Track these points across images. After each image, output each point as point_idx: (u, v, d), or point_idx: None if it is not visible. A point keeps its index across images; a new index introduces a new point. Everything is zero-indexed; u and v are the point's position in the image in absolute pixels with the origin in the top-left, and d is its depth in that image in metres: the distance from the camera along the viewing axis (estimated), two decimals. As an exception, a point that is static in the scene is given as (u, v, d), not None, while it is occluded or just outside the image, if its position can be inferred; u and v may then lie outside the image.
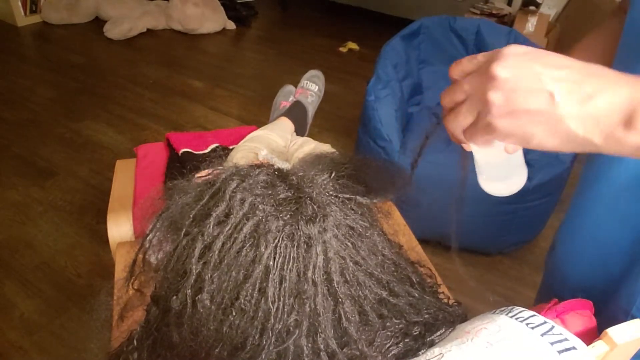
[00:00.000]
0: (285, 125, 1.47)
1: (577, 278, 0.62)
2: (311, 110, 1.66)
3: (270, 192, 0.48)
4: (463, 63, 0.39)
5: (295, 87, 1.75)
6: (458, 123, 0.40)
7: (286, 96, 1.72)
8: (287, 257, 0.44)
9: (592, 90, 0.34)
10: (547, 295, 0.58)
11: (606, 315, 0.53)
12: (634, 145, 0.34)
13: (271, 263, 0.44)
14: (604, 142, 0.34)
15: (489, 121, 0.37)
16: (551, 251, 0.69)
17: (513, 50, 0.36)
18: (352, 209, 0.53)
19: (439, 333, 0.54)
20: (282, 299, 0.44)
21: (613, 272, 0.57)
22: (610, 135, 0.34)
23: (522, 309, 0.52)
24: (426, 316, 0.55)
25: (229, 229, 0.45)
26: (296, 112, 1.58)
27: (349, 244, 0.49)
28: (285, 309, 0.44)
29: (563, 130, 0.35)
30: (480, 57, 0.38)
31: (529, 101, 0.35)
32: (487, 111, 0.36)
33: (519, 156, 0.50)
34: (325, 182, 0.53)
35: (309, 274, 0.45)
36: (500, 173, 0.52)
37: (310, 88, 1.69)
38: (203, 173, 0.55)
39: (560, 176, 1.65)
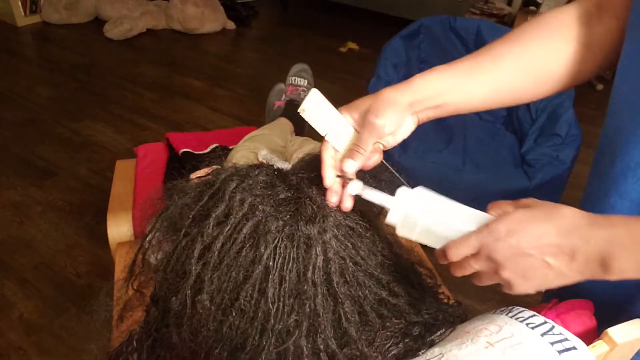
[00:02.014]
0: (284, 125, 1.47)
1: (588, 290, 0.61)
2: None
3: (269, 192, 0.48)
4: (460, 250, 0.48)
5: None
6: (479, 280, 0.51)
7: (279, 95, 1.71)
8: (287, 257, 0.44)
9: (570, 250, 0.44)
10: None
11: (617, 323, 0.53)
12: (617, 279, 0.44)
13: (271, 263, 0.44)
14: (594, 278, 0.45)
15: (507, 286, 0.49)
16: None
17: (499, 234, 0.45)
18: (352, 209, 0.52)
19: (439, 333, 0.54)
20: (281, 299, 0.44)
21: (628, 284, 0.56)
22: (596, 276, 0.44)
23: (522, 309, 0.52)
24: (426, 316, 0.55)
25: (229, 230, 0.45)
26: (293, 111, 1.57)
27: (349, 244, 0.49)
28: (285, 310, 0.44)
29: (565, 280, 0.46)
30: (473, 242, 0.47)
31: (533, 273, 0.46)
32: (504, 283, 0.48)
33: None
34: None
35: (309, 274, 0.44)
36: None
37: (300, 83, 1.67)
38: (199, 173, 0.55)
39: (560, 176, 1.65)
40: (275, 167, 0.54)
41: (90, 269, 1.63)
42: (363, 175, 0.55)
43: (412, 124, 0.56)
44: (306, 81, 1.69)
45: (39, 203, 1.90)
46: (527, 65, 0.56)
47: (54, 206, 1.89)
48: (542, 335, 0.47)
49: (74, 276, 1.61)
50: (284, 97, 1.69)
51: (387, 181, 0.59)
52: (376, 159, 0.54)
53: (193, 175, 0.70)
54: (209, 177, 0.52)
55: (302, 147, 1.33)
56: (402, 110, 0.54)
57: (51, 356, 1.37)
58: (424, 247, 1.04)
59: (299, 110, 0.53)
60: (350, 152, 0.53)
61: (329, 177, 0.52)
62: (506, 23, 2.87)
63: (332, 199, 0.51)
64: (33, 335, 1.42)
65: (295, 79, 1.69)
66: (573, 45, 0.55)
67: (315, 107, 0.53)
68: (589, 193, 0.62)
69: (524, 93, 0.59)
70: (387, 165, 0.57)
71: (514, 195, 1.61)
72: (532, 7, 2.92)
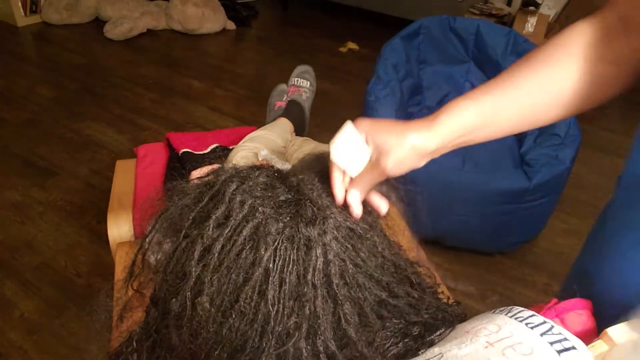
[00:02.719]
0: (284, 126, 1.47)
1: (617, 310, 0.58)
2: (307, 107, 1.65)
3: (270, 194, 0.48)
4: None
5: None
6: None
7: (280, 96, 1.71)
8: (287, 259, 0.44)
9: None
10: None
11: None
12: None
13: (271, 265, 0.44)
14: None
15: None
16: (582, 283, 0.62)
17: None
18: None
19: (438, 333, 0.54)
20: (281, 301, 0.44)
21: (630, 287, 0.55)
22: None
23: (522, 308, 0.52)
24: (426, 316, 0.55)
25: (229, 232, 0.45)
26: (293, 112, 1.57)
27: (349, 246, 0.49)
28: (285, 312, 0.44)
29: None
30: None
31: None
32: None
33: None
34: (325, 183, 0.53)
35: (309, 276, 0.44)
36: None
37: (302, 85, 1.68)
38: (195, 173, 0.55)
39: (560, 176, 1.65)
40: (275, 168, 0.54)
41: (90, 269, 1.64)
42: None
43: (425, 162, 0.55)
44: (309, 82, 1.69)
45: (39, 203, 1.90)
46: (553, 90, 0.53)
47: (54, 206, 1.89)
48: (542, 335, 0.47)
49: (75, 276, 1.61)
50: (285, 97, 1.69)
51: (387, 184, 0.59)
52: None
53: (194, 173, 0.71)
54: (209, 178, 0.52)
55: (302, 148, 1.33)
56: (424, 158, 0.52)
57: (52, 356, 1.37)
58: (423, 247, 1.05)
59: (330, 143, 0.51)
60: (357, 184, 0.53)
61: (340, 195, 0.53)
62: (505, 23, 2.87)
63: (356, 212, 0.52)
64: (34, 335, 1.42)
65: (298, 80, 1.69)
66: (599, 67, 0.52)
67: (347, 144, 0.52)
68: (616, 206, 0.58)
69: (547, 117, 0.56)
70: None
71: (514, 195, 1.62)
72: (531, 8, 2.92)
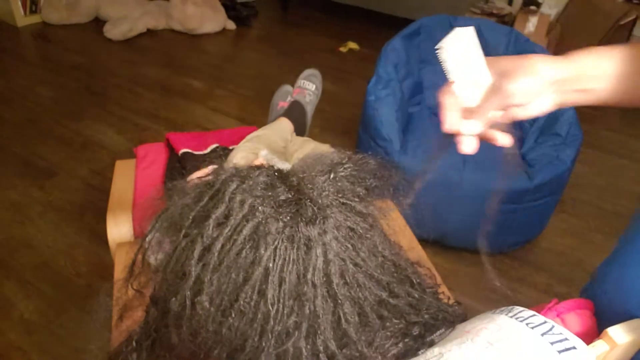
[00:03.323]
0: (284, 126, 1.47)
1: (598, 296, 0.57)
2: (310, 110, 1.65)
3: (270, 193, 0.48)
4: None
5: (293, 86, 1.74)
6: None
7: (283, 96, 1.72)
8: (287, 259, 0.44)
9: None
10: None
11: None
12: None
13: (271, 265, 0.44)
14: None
15: None
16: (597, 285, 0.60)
17: None
18: (353, 210, 0.52)
19: (438, 333, 0.54)
20: (281, 301, 0.44)
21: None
22: None
23: (522, 308, 0.52)
24: (426, 316, 0.55)
25: (229, 231, 0.45)
26: (295, 112, 1.57)
27: (349, 245, 0.49)
28: (285, 311, 0.44)
29: None
30: None
31: None
32: None
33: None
34: (325, 183, 0.53)
35: (309, 275, 0.44)
36: None
37: (308, 87, 1.69)
38: (194, 176, 0.55)
39: (561, 176, 1.64)
40: (275, 167, 0.53)
41: (90, 269, 1.63)
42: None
43: (549, 104, 0.50)
44: (314, 86, 1.70)
45: (39, 203, 1.90)
46: None
47: (54, 206, 1.89)
48: (542, 335, 0.47)
49: (74, 276, 1.61)
50: (289, 98, 1.70)
51: (387, 178, 0.59)
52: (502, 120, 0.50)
53: (192, 176, 0.70)
54: (209, 177, 0.52)
55: (303, 148, 1.34)
56: (543, 85, 0.48)
57: (51, 356, 1.37)
58: (424, 246, 1.05)
59: (437, 46, 0.47)
60: (476, 113, 0.49)
61: (454, 122, 0.49)
62: (507, 22, 2.87)
63: (465, 147, 0.50)
64: (33, 335, 1.42)
65: (304, 82, 1.71)
66: None
67: (461, 46, 0.47)
68: None
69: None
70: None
71: (515, 195, 1.62)
72: (532, 7, 2.92)
